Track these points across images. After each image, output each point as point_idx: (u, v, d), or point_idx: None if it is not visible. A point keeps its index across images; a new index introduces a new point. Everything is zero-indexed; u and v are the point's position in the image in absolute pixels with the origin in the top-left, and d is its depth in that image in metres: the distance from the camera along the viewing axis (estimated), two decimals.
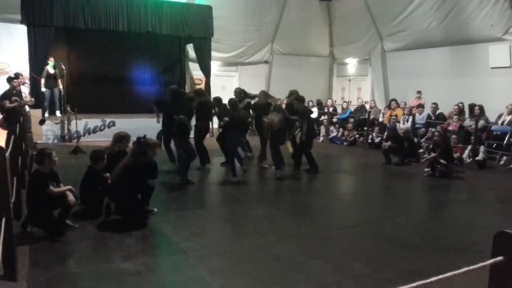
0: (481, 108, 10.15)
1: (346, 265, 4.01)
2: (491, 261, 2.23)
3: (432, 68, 12.79)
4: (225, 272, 3.80)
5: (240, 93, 9.04)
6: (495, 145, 9.79)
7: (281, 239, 4.64)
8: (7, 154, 4.11)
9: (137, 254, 4.14)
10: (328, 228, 5.14)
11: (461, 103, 11.01)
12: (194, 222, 5.21)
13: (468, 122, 10.12)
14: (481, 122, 9.77)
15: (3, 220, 3.41)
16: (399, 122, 11.36)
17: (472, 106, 10.26)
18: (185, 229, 4.92)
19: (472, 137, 9.43)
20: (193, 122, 7.88)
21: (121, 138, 5.94)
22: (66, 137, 11.25)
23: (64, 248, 4.29)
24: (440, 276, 2.23)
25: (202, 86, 14.19)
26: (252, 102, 9.07)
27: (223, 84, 14.45)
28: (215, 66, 14.77)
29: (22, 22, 10.92)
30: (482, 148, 9.32)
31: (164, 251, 4.33)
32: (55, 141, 11.11)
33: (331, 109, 14.14)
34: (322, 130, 13.52)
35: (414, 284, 2.13)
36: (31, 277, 3.59)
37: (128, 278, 3.63)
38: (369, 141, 12.03)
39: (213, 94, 13.46)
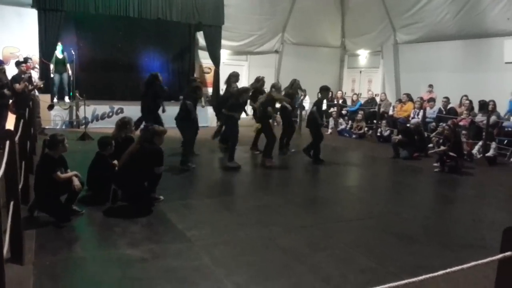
0: (493, 104, 9.98)
1: (351, 258, 4.00)
2: (500, 256, 2.20)
3: (445, 62, 12.58)
4: (229, 261, 3.81)
5: (236, 77, 9.13)
6: (506, 141, 9.66)
7: (286, 230, 4.63)
8: (16, 138, 4.13)
9: (142, 241, 4.16)
10: (334, 220, 5.12)
11: (465, 95, 10.85)
12: (199, 210, 5.23)
13: (479, 118, 9.97)
14: (493, 118, 9.62)
15: (11, 204, 3.44)
16: (410, 121, 11.07)
17: (483, 103, 10.07)
18: (191, 217, 4.94)
19: (483, 133, 9.29)
20: None
21: (126, 124, 5.91)
22: (74, 123, 11.30)
23: (70, 233, 4.34)
24: (448, 270, 2.20)
25: (211, 74, 14.13)
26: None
27: None
28: (224, 54, 14.69)
29: (33, 6, 10.93)
30: (493, 144, 9.20)
31: (169, 239, 4.33)
32: (63, 127, 11.15)
33: (340, 101, 14.01)
34: (331, 122, 13.40)
35: (420, 278, 2.11)
36: (37, 260, 3.63)
37: (133, 264, 3.66)
38: (378, 134, 11.93)
39: (222, 84, 13.49)
